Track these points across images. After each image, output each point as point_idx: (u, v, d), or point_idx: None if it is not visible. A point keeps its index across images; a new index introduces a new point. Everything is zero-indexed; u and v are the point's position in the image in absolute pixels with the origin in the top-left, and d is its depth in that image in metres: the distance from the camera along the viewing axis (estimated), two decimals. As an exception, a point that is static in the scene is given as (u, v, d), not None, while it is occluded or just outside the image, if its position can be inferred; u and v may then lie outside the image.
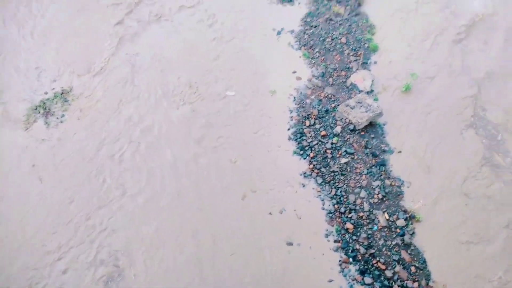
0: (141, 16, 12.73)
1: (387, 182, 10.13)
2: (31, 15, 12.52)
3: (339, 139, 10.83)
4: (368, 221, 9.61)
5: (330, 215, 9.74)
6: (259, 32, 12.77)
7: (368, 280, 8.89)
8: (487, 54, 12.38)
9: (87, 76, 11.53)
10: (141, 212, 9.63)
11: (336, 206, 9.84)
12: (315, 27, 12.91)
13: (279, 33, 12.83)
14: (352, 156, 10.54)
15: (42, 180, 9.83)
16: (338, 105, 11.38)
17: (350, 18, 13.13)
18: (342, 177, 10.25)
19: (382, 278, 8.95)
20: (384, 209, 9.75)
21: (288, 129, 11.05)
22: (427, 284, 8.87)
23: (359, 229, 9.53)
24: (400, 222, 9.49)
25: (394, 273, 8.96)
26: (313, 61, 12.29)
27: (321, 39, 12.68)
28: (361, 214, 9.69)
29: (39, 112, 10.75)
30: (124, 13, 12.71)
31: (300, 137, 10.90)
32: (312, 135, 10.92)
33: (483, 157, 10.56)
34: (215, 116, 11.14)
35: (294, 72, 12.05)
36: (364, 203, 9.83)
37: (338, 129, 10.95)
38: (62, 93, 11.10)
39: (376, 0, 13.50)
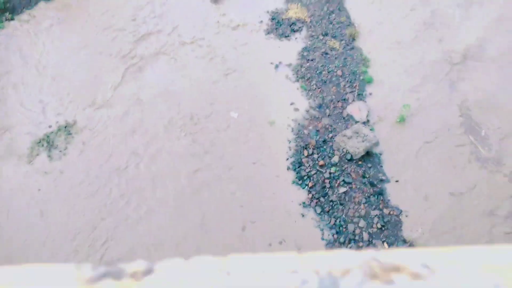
0: (144, 51, 13.23)
1: (386, 211, 10.24)
2: (37, 50, 13.00)
3: (337, 169, 11.02)
4: (367, 250, 9.64)
5: (330, 245, 9.78)
6: (257, 66, 13.23)
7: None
8: (478, 80, 12.88)
9: (91, 109, 11.86)
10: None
11: (335, 236, 9.90)
12: (312, 60, 13.40)
13: (277, 66, 13.30)
14: (351, 186, 10.70)
15: (42, 213, 9.94)
16: (336, 135, 11.65)
17: (345, 52, 13.65)
18: (341, 207, 10.37)
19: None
20: (384, 239, 9.81)
21: (287, 159, 11.26)
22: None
23: (359, 259, 9.54)
24: (400, 252, 9.52)
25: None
26: (310, 93, 12.67)
27: (318, 72, 13.13)
28: (360, 244, 9.74)
29: (43, 146, 10.99)
30: (128, 49, 13.21)
31: (298, 167, 11.10)
32: (311, 165, 11.13)
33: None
34: (215, 147, 11.38)
35: (292, 103, 12.41)
36: (363, 232, 9.90)
37: (335, 158, 11.17)
38: (66, 126, 11.39)
39: (370, 35, 14.08)
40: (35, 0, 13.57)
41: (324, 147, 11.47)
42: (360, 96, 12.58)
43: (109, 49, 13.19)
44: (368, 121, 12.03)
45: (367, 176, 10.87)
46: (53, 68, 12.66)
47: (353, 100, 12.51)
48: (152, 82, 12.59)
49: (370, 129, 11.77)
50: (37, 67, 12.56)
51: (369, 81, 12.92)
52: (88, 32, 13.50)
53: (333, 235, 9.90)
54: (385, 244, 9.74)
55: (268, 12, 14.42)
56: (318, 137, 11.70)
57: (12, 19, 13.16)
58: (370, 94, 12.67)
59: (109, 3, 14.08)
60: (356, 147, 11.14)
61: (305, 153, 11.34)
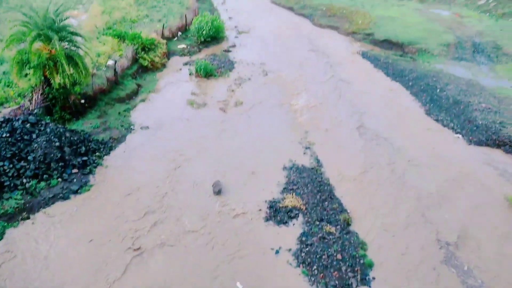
0: (149, 242, 13.55)
1: None
2: (43, 245, 13.22)
3: None
4: None
5: None
6: (258, 252, 13.44)
7: None
8: (473, 256, 13.26)
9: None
10: None
11: None
12: (311, 245, 13.74)
13: (277, 252, 13.52)
14: None
15: None
16: (345, 326, 10.94)
17: (342, 236, 14.17)
18: None
19: None
20: None
21: None
22: None
23: None
24: None
25: None
26: (313, 279, 12.52)
27: (318, 256, 13.29)
28: None
29: None
30: (133, 240, 13.58)
31: None
32: None
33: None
34: None
35: (296, 292, 12.09)
36: None
37: None
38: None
39: (363, 220, 14.95)
40: (53, 200, 14.74)
41: None
42: (364, 281, 12.41)
43: (114, 240, 13.55)
44: (376, 308, 11.52)
45: None
46: (55, 260, 12.61)
47: (357, 286, 12.29)
48: (153, 274, 12.46)
49: (381, 317, 11.16)
50: (40, 261, 12.59)
51: (370, 264, 12.99)
52: (96, 224, 14.12)
53: None
54: None
55: (266, 201, 15.60)
56: (327, 329, 10.94)
57: (28, 218, 13.97)
58: (374, 278, 12.57)
59: (121, 200, 15.31)
60: None
61: None
